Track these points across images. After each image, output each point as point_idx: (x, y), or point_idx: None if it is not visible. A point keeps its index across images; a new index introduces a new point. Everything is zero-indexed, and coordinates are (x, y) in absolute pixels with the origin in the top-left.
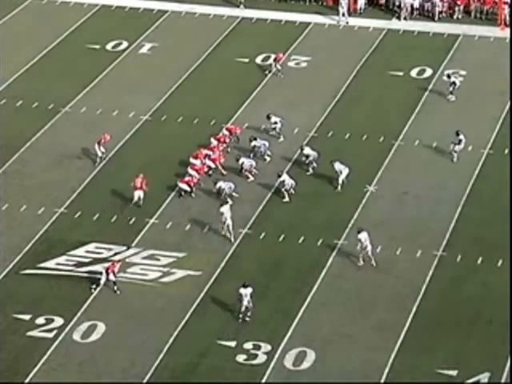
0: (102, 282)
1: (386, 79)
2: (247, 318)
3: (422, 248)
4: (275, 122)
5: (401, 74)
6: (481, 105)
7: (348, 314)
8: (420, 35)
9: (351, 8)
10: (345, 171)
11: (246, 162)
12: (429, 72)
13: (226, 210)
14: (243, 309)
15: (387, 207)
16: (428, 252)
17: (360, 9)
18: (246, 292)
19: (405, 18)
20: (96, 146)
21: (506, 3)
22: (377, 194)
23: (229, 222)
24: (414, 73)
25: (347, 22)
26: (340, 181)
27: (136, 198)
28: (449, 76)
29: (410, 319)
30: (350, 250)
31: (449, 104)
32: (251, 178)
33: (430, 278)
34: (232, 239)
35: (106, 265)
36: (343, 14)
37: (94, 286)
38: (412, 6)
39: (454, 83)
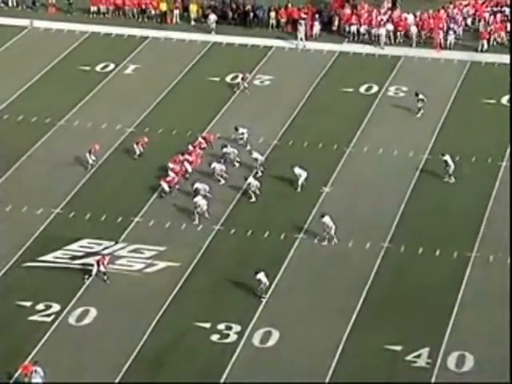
0: (94, 272)
1: (339, 95)
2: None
3: (370, 241)
4: (242, 133)
5: (351, 90)
6: (420, 116)
7: (308, 299)
8: (367, 57)
9: (308, 33)
10: (303, 175)
11: (217, 167)
12: (375, 88)
13: (199, 199)
14: (264, 289)
15: (340, 206)
16: (376, 244)
17: (315, 34)
18: (261, 275)
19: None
20: (87, 155)
21: (440, 29)
22: (331, 194)
23: (205, 207)
24: (362, 89)
25: (304, 46)
26: (299, 183)
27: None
28: (417, 94)
29: (361, 303)
30: (309, 243)
31: (392, 115)
32: (222, 182)
33: (378, 267)
34: (196, 220)
35: (97, 257)
36: (301, 39)
37: (86, 276)
38: (359, 31)
39: (422, 100)
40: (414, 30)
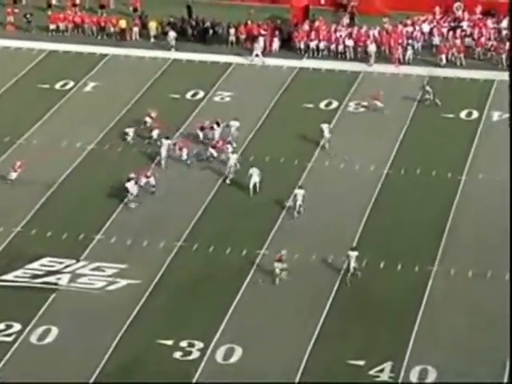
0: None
1: (299, 111)
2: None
3: (332, 255)
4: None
5: (311, 105)
6: (381, 131)
7: (270, 314)
8: (327, 72)
9: (267, 50)
10: (255, 178)
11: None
12: (335, 104)
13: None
14: (351, 269)
15: (303, 220)
16: (338, 258)
17: (275, 50)
18: (353, 254)
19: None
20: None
21: (399, 44)
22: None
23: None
24: (322, 105)
25: (263, 62)
26: (250, 186)
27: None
28: (424, 87)
29: (323, 318)
30: (271, 258)
31: (353, 130)
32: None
33: (340, 281)
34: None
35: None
36: (256, 55)
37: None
38: (318, 47)
39: (428, 92)
40: (372, 47)
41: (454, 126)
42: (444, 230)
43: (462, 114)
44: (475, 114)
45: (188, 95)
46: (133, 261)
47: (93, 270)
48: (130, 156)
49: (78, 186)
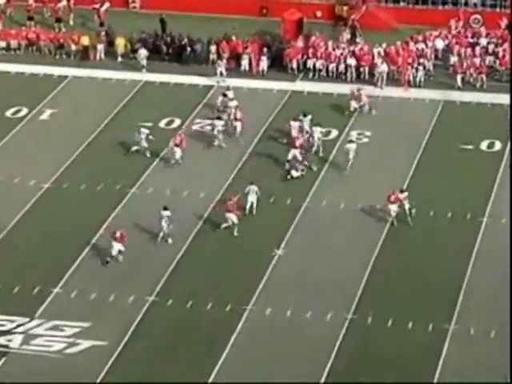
0: None
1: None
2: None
3: (332, 311)
4: None
5: None
6: (387, 164)
7: (259, 376)
8: (325, 96)
9: (254, 70)
10: (251, 197)
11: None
12: (334, 133)
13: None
14: (407, 211)
15: (295, 270)
16: (338, 315)
17: (263, 71)
18: (403, 196)
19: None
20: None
21: (409, 64)
22: (285, 257)
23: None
24: (320, 134)
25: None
26: (247, 206)
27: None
28: (359, 90)
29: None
30: (260, 316)
31: (355, 163)
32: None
33: (341, 342)
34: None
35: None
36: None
37: None
38: (314, 66)
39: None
40: (384, 68)
41: (473, 158)
42: (462, 282)
43: (483, 145)
44: (498, 145)
45: (162, 123)
46: (97, 319)
47: (50, 329)
48: (94, 195)
49: (32, 231)
